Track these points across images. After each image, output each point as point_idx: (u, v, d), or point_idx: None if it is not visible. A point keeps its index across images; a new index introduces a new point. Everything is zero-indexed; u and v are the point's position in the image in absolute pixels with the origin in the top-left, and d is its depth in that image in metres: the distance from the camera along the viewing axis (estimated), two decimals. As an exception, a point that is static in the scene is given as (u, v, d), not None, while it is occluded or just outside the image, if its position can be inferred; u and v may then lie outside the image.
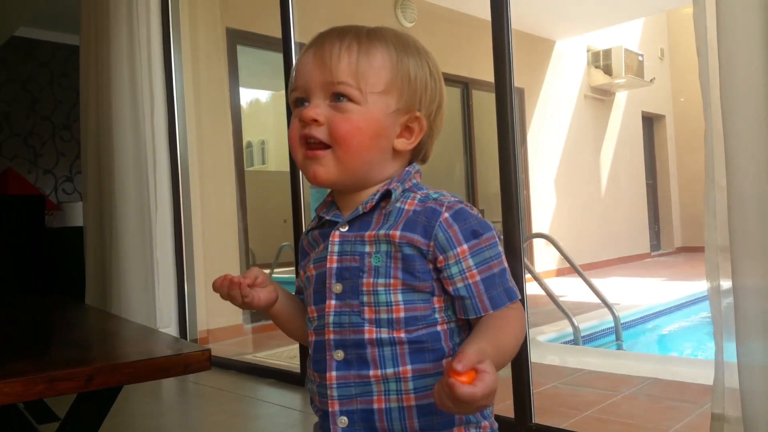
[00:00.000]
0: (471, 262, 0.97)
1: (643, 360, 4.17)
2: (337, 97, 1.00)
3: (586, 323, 5.09)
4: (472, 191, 8.14)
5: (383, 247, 0.99)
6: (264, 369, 3.73)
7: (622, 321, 5.23)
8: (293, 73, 1.08)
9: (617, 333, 5.18)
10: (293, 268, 3.53)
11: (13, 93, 6.64)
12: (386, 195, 1.03)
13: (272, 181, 8.69)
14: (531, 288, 5.18)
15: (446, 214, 0.98)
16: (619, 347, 5.12)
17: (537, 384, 3.06)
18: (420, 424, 0.98)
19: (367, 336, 0.98)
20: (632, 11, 9.19)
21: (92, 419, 1.50)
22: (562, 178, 9.57)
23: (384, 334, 0.98)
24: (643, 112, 11.54)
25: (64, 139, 6.95)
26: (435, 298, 0.99)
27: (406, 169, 1.07)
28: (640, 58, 10.37)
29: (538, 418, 2.50)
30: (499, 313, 0.97)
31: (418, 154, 1.10)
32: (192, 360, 1.41)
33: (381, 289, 0.98)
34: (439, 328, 0.99)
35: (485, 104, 7.59)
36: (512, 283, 1.00)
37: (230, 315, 4.84)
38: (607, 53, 10.11)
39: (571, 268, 5.82)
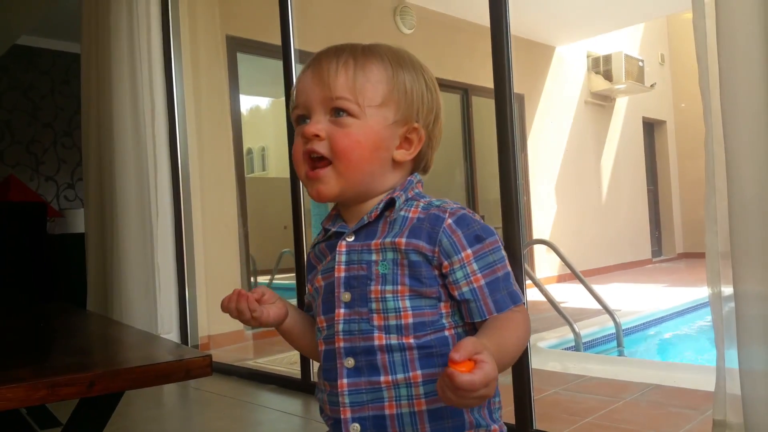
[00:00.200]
0: (475, 266, 0.99)
1: (645, 366, 4.16)
2: (337, 112, 1.03)
3: (588, 329, 5.09)
4: (472, 197, 8.14)
5: (390, 255, 1.01)
6: (265, 375, 3.73)
7: (623, 327, 5.22)
8: (293, 92, 1.10)
9: (618, 339, 5.17)
10: (294, 275, 3.53)
11: (15, 101, 6.65)
12: (390, 204, 1.05)
13: (272, 188, 8.69)
14: (532, 294, 5.19)
15: (449, 220, 1.00)
16: (621, 353, 5.11)
17: (538, 390, 3.06)
18: (431, 428, 0.99)
19: (377, 343, 1.00)
20: (632, 16, 9.20)
21: (94, 424, 1.50)
22: (563, 184, 9.56)
23: (393, 340, 1.00)
24: (643, 117, 11.53)
25: (66, 146, 6.96)
26: (442, 304, 1.02)
27: (408, 178, 1.09)
28: (640, 63, 10.37)
29: (539, 424, 2.50)
30: (503, 315, 0.99)
31: (419, 165, 1.13)
32: (193, 366, 1.41)
33: (389, 296, 1.00)
34: (446, 332, 1.01)
35: (485, 110, 7.59)
36: (516, 287, 1.02)
37: (231, 321, 4.79)
38: (608, 59, 10.11)
39: (572, 274, 5.82)
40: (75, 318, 2.53)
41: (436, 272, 1.01)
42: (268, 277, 7.51)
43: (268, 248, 7.46)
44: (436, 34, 7.68)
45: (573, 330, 4.75)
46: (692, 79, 1.97)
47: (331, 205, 1.17)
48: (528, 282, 5.58)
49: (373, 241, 1.03)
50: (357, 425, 1.01)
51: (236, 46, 5.31)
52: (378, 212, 1.05)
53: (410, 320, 1.00)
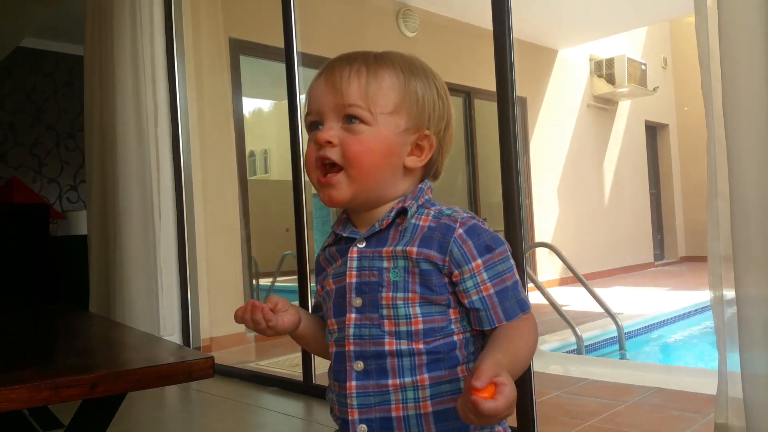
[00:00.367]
0: (485, 275, 1.01)
1: (647, 369, 4.16)
2: (349, 119, 1.04)
3: (590, 333, 5.08)
4: (474, 200, 8.14)
5: (401, 263, 1.03)
6: (267, 377, 3.73)
7: (625, 330, 5.22)
8: (306, 99, 1.12)
9: (620, 342, 5.17)
10: (296, 277, 3.53)
11: (18, 103, 6.67)
12: (401, 212, 1.07)
13: (275, 190, 8.70)
14: (534, 297, 5.18)
15: (460, 230, 1.02)
16: (623, 357, 5.11)
17: (540, 393, 3.06)
18: (437, 429, 1.01)
19: (387, 348, 1.02)
20: (635, 20, 9.20)
21: (96, 426, 1.51)
22: (565, 188, 9.56)
23: (403, 345, 1.02)
24: (646, 121, 11.53)
25: (69, 149, 6.97)
26: (451, 310, 1.03)
27: (419, 186, 1.10)
28: (643, 67, 10.37)
29: (541, 427, 2.50)
30: (513, 323, 1.01)
31: (429, 171, 1.14)
32: (195, 367, 1.42)
33: (400, 302, 1.02)
34: (455, 338, 1.03)
35: (487, 113, 7.60)
36: (524, 295, 1.05)
37: (233, 323, 4.82)
38: (610, 62, 10.11)
39: (574, 277, 5.82)
40: (77, 319, 2.53)
41: (446, 280, 1.02)
42: (270, 279, 7.51)
43: (270, 251, 7.46)
44: (438, 38, 7.69)
45: (575, 333, 4.75)
46: (695, 82, 1.97)
47: (334, 210, 1.18)
48: (530, 285, 5.57)
49: (384, 249, 1.05)
50: (364, 426, 1.03)
51: (239, 48, 5.32)
52: (389, 220, 1.06)
53: (420, 326, 1.02)
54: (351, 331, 1.05)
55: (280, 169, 12.62)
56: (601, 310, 5.36)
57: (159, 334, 3.93)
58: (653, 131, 12.02)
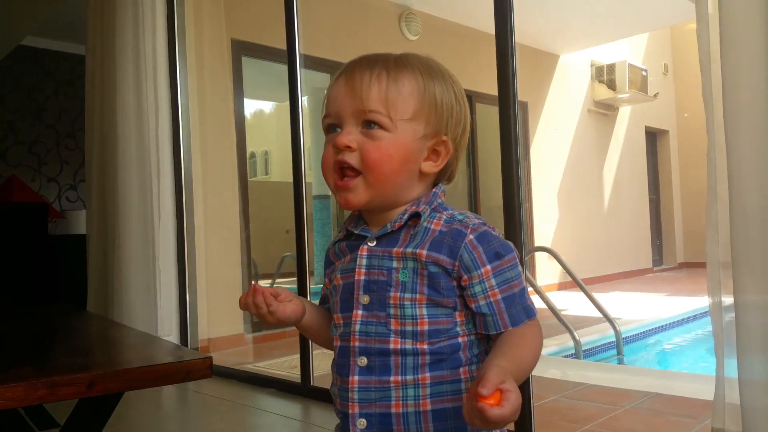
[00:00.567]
0: (494, 281, 1.03)
1: (644, 374, 4.16)
2: (369, 124, 1.05)
3: (588, 337, 5.08)
4: (475, 204, 8.14)
5: (410, 264, 1.04)
6: (264, 378, 3.73)
7: (623, 335, 5.22)
8: (325, 100, 1.12)
9: (618, 347, 5.17)
10: (295, 279, 3.53)
11: (19, 101, 6.67)
12: (414, 215, 1.07)
13: (275, 192, 8.70)
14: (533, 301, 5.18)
15: (471, 236, 1.03)
16: (620, 362, 5.11)
17: (538, 397, 3.06)
18: (435, 427, 1.03)
19: (392, 346, 1.04)
20: (636, 26, 9.21)
21: (93, 425, 1.50)
22: (565, 192, 9.57)
23: (408, 344, 1.03)
24: (646, 127, 11.54)
25: (69, 148, 6.97)
26: (457, 313, 1.05)
27: (433, 190, 1.12)
28: (643, 73, 10.38)
29: (539, 431, 2.50)
30: (518, 329, 1.03)
31: (443, 175, 1.15)
32: (193, 367, 1.41)
33: (407, 303, 1.04)
34: (459, 340, 1.05)
35: (489, 117, 7.59)
36: (530, 302, 1.06)
37: (231, 324, 4.84)
38: (611, 68, 10.12)
39: (573, 281, 5.82)
40: (75, 319, 2.53)
41: (455, 284, 1.04)
42: (269, 281, 7.51)
43: (270, 252, 7.47)
44: (440, 41, 7.70)
45: (573, 338, 4.75)
46: (695, 89, 1.97)
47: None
48: (529, 289, 5.57)
49: (395, 249, 1.06)
50: (363, 420, 1.04)
51: (241, 49, 5.33)
52: (402, 222, 1.07)
53: (426, 327, 1.03)
54: (357, 327, 1.06)
55: (280, 170, 12.61)
56: (599, 314, 5.36)
57: (157, 334, 3.92)
58: (653, 137, 12.02)
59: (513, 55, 2.50)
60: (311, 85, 7.05)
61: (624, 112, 10.97)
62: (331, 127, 1.09)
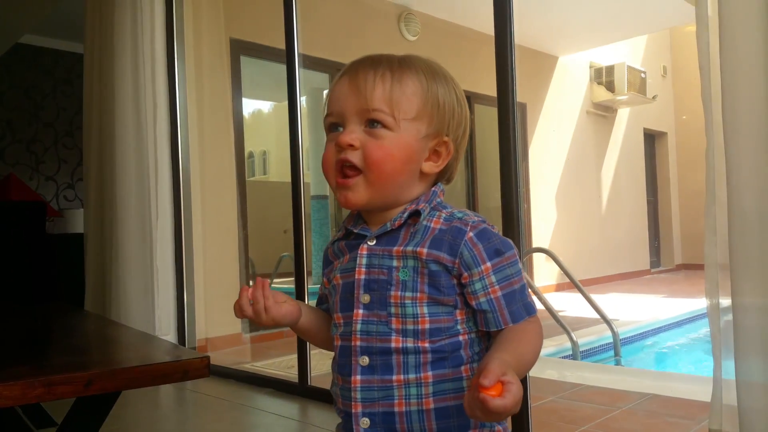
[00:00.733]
0: (494, 278, 1.03)
1: (642, 376, 4.16)
2: (372, 124, 1.06)
3: (585, 338, 5.09)
4: (473, 204, 8.14)
5: (410, 263, 1.05)
6: (262, 378, 3.72)
7: (620, 337, 5.22)
8: (326, 99, 1.12)
9: (616, 349, 5.18)
10: (293, 279, 3.53)
11: (17, 100, 6.66)
12: (414, 214, 1.08)
13: (273, 192, 8.71)
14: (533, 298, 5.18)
15: (471, 234, 1.04)
16: (618, 363, 5.12)
17: (535, 398, 3.06)
18: (438, 425, 1.03)
19: (393, 345, 1.04)
20: (635, 28, 9.22)
21: (90, 424, 1.50)
22: (563, 194, 9.57)
23: (410, 343, 1.04)
24: (644, 129, 11.55)
25: (67, 146, 6.96)
26: (457, 311, 1.05)
27: (433, 189, 1.12)
28: (642, 75, 10.39)
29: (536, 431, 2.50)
30: (519, 326, 1.03)
31: (443, 175, 1.16)
32: (191, 367, 1.41)
33: (408, 302, 1.04)
34: (460, 338, 1.05)
35: (487, 118, 7.60)
36: (530, 299, 1.07)
37: (229, 324, 4.84)
38: (610, 70, 10.13)
39: (570, 283, 5.83)
40: (73, 317, 2.53)
41: (455, 282, 1.04)
42: (267, 281, 7.49)
43: (268, 252, 7.46)
44: (440, 42, 7.70)
45: (571, 339, 4.75)
46: (694, 91, 1.98)
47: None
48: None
49: (395, 248, 1.06)
50: (367, 420, 1.05)
51: (240, 49, 5.32)
52: (402, 221, 1.08)
53: (427, 326, 1.03)
54: (358, 326, 1.06)
55: (278, 170, 12.62)
56: (597, 316, 5.36)
57: (154, 333, 3.92)
58: (652, 139, 12.03)
59: (512, 57, 2.50)
60: (310, 85, 7.07)
61: (622, 114, 10.98)
62: (333, 126, 1.10)
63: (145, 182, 4.08)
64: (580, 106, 10.12)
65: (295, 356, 3.48)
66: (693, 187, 11.26)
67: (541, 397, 3.21)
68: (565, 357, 4.72)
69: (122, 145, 4.14)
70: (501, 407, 0.83)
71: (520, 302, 1.04)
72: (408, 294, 1.04)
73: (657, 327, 6.35)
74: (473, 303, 1.04)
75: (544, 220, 9.23)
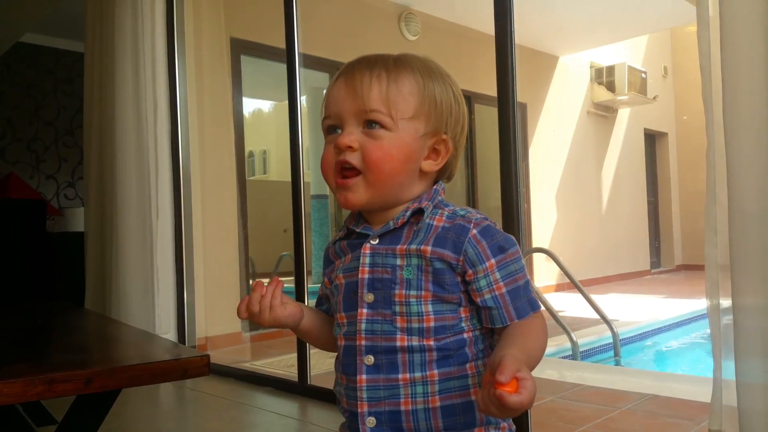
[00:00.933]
0: (498, 275, 1.04)
1: (641, 376, 4.16)
2: (370, 124, 1.06)
3: (585, 339, 5.09)
4: (473, 204, 8.14)
5: (414, 261, 1.05)
6: (262, 377, 3.72)
7: (620, 337, 5.22)
8: (324, 102, 1.12)
9: (616, 349, 5.17)
10: (293, 278, 3.53)
11: (17, 98, 6.66)
12: (417, 212, 1.08)
13: (273, 191, 8.70)
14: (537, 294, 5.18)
15: (474, 231, 1.04)
16: (618, 363, 5.12)
17: (535, 398, 3.06)
18: (444, 423, 1.04)
19: (399, 343, 1.04)
20: (636, 28, 9.22)
21: (90, 422, 1.50)
22: (564, 194, 9.57)
23: (415, 342, 1.04)
24: (645, 129, 11.54)
25: (67, 145, 6.96)
26: (462, 309, 1.06)
27: (434, 187, 1.12)
28: (643, 75, 10.39)
29: (536, 431, 2.49)
30: (524, 322, 1.04)
31: (443, 173, 1.16)
32: (191, 365, 1.41)
33: (413, 300, 1.04)
34: (465, 335, 1.06)
35: (487, 118, 7.60)
36: (535, 294, 1.07)
37: (229, 323, 4.84)
38: (611, 70, 10.13)
39: (570, 283, 5.82)
40: (73, 316, 2.53)
41: (459, 279, 1.04)
42: (267, 280, 7.49)
43: (268, 251, 7.46)
44: (440, 42, 7.70)
45: (570, 339, 4.75)
46: (694, 92, 1.98)
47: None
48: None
49: (398, 246, 1.06)
50: (373, 419, 1.05)
51: (240, 48, 5.32)
52: (404, 219, 1.08)
53: (432, 324, 1.04)
54: (363, 326, 1.06)
55: (278, 169, 12.63)
56: (596, 316, 5.36)
57: (154, 332, 3.92)
58: (652, 139, 12.03)
59: (512, 56, 2.50)
60: (310, 85, 7.06)
61: (623, 114, 10.98)
62: (331, 128, 1.10)
63: (146, 181, 4.08)
64: (580, 106, 10.11)
65: (294, 355, 3.49)
66: (693, 188, 11.26)
67: (541, 397, 3.21)
68: (564, 357, 4.72)
69: (123, 143, 4.14)
70: (518, 403, 0.83)
71: (524, 298, 1.04)
72: (413, 292, 1.04)
73: (657, 327, 6.35)
74: (478, 300, 1.04)
75: (544, 220, 9.23)
